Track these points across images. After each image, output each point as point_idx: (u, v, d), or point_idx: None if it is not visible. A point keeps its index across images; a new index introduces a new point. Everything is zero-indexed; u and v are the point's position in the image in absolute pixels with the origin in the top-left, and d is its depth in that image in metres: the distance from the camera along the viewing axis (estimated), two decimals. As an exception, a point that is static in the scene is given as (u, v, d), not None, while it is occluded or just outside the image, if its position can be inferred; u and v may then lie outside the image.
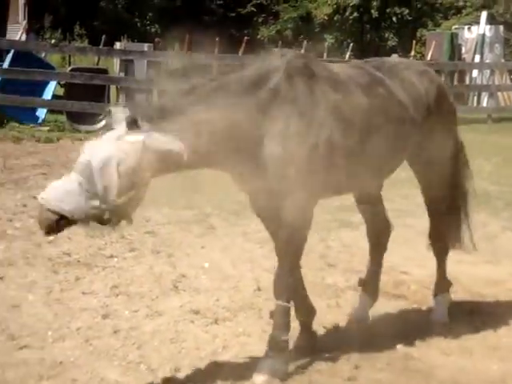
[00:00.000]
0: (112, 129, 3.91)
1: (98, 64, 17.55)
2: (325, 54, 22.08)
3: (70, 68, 16.51)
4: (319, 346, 4.78)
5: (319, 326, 5.09)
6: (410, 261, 6.84)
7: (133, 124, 3.85)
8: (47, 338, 4.87)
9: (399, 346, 4.92)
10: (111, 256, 6.66)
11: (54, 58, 21.37)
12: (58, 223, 3.85)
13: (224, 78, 4.24)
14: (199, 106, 3.99)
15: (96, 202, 3.82)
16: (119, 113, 3.93)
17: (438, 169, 5.11)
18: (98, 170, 3.79)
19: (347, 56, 20.98)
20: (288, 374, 4.42)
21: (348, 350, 4.78)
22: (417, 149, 4.94)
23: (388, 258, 6.83)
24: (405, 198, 9.59)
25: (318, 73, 4.37)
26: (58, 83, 15.85)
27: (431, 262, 6.58)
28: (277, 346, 4.32)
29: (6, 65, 14.83)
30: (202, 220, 8.00)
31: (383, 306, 5.67)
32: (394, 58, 6.06)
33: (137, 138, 3.83)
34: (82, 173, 3.83)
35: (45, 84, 14.95)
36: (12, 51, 15.02)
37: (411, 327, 5.16)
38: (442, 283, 5.44)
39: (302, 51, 22.25)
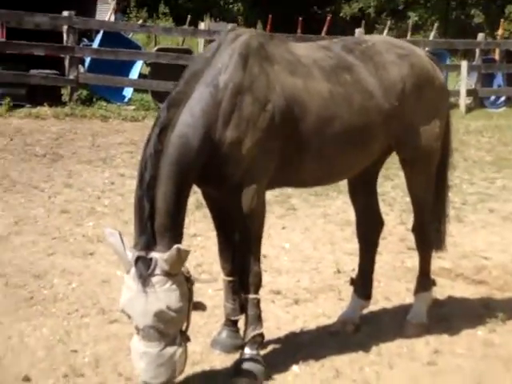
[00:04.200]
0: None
1: (183, 44, 17.83)
2: (408, 34, 21.80)
3: (155, 48, 16.83)
4: (398, 330, 4.83)
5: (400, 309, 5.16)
6: (493, 246, 6.79)
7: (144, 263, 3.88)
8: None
9: (480, 332, 4.92)
10: (195, 235, 6.83)
11: (139, 37, 21.75)
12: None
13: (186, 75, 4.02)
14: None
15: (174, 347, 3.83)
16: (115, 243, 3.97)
17: (423, 158, 4.71)
18: (161, 323, 3.75)
19: (432, 35, 20.58)
20: (367, 356, 4.50)
21: (427, 334, 4.81)
22: (397, 138, 4.61)
23: (470, 243, 6.80)
24: (488, 182, 9.49)
25: (274, 55, 4.16)
26: (144, 62, 16.18)
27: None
28: (253, 341, 4.20)
29: (95, 45, 15.20)
30: (284, 201, 8.10)
31: (464, 292, 5.67)
32: (381, 37, 5.37)
33: (163, 279, 3.87)
34: (149, 338, 3.76)
35: (132, 63, 15.28)
36: (101, 31, 15.38)
37: (492, 313, 5.13)
38: (424, 281, 4.99)
39: (385, 32, 22.02)
